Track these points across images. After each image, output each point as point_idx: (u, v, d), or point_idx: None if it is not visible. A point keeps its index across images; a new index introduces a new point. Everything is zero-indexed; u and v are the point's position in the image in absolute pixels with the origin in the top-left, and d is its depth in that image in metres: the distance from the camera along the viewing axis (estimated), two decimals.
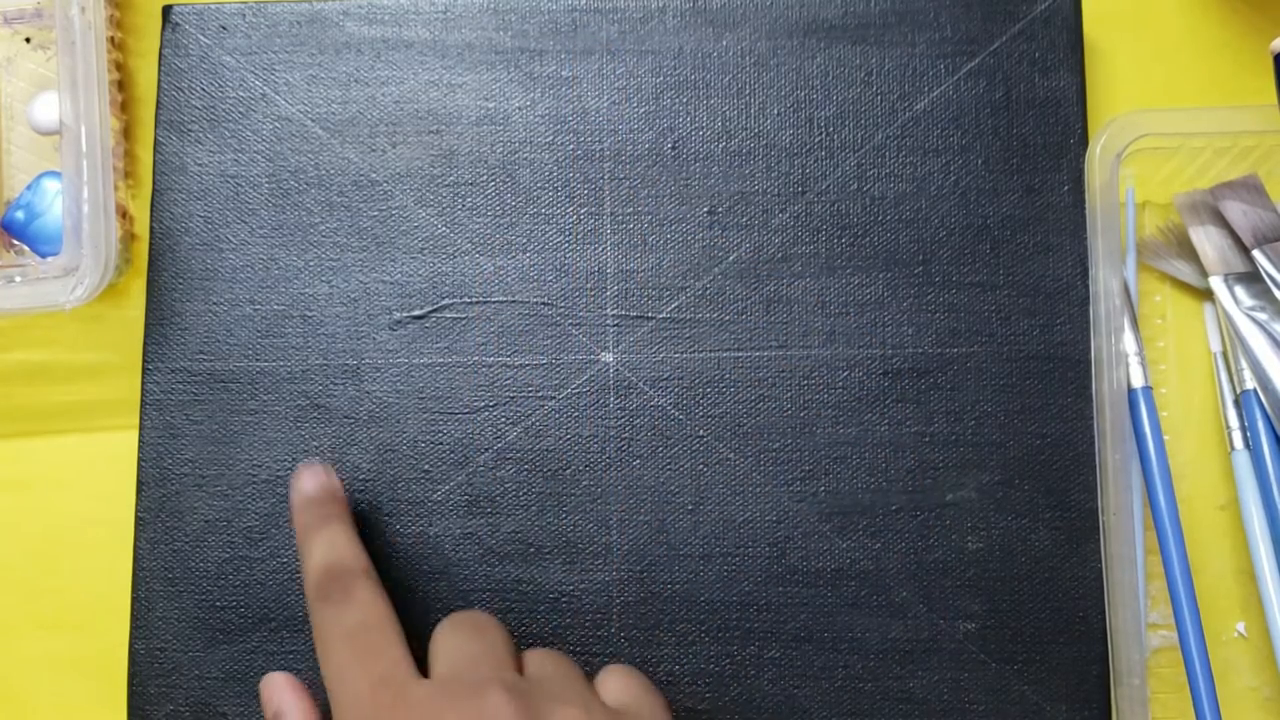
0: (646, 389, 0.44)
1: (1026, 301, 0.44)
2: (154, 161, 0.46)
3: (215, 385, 0.45)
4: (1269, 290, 0.43)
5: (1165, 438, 0.43)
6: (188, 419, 0.45)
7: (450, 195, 0.46)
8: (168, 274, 0.46)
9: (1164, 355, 0.45)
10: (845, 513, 0.43)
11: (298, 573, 0.44)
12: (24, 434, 0.47)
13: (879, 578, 0.43)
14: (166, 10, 0.47)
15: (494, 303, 0.45)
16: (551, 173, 0.46)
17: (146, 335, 0.45)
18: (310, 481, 0.41)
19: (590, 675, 0.37)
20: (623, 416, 0.44)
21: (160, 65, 0.47)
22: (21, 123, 0.48)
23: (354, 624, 0.36)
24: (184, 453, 0.45)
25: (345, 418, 0.45)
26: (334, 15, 0.47)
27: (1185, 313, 0.45)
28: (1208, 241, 0.44)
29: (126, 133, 0.49)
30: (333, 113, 0.46)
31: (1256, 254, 0.43)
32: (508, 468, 0.44)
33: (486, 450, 0.44)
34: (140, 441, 0.45)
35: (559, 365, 0.45)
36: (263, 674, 0.43)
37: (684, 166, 0.45)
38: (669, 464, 0.44)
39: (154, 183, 0.46)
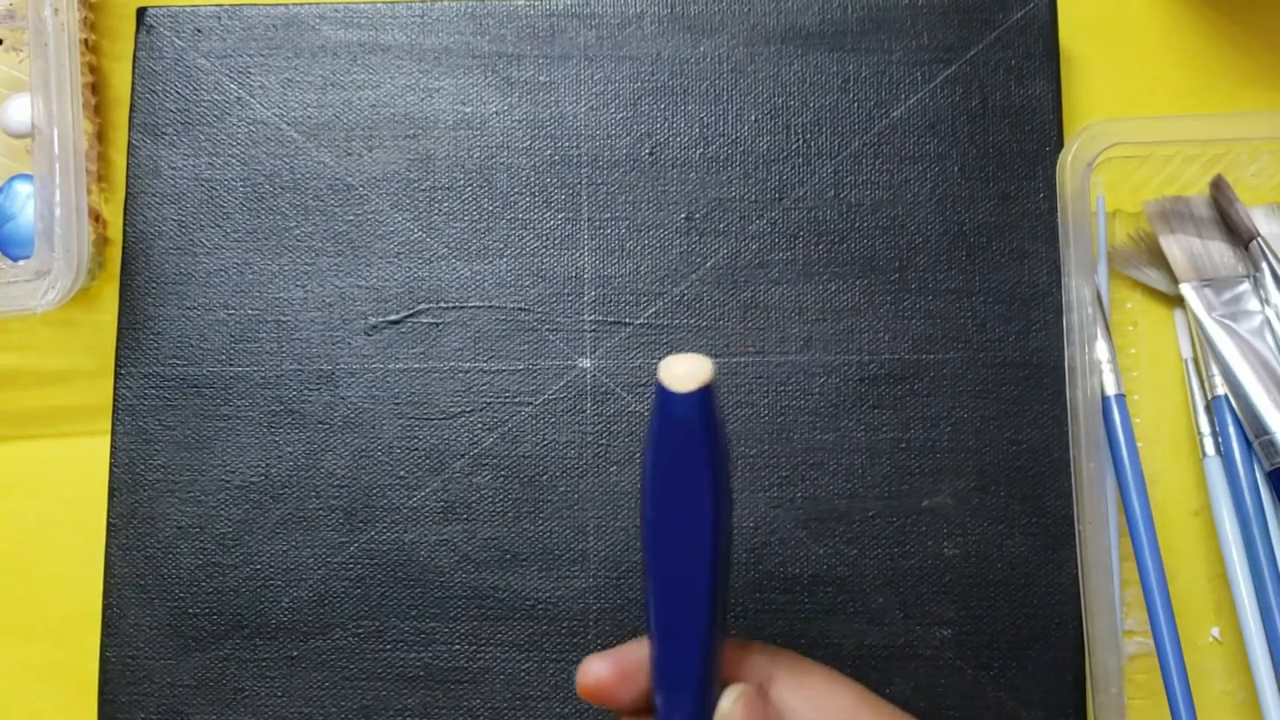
0: (624, 395, 0.44)
1: (1002, 308, 0.44)
2: (127, 165, 0.46)
3: (188, 390, 0.45)
4: (1239, 297, 0.43)
5: (1138, 445, 0.43)
6: (160, 424, 0.44)
7: (426, 200, 0.46)
8: (141, 278, 0.45)
9: (1136, 362, 0.45)
10: (822, 519, 0.43)
11: (270, 579, 0.43)
12: None
13: (855, 584, 0.43)
14: (141, 12, 0.47)
15: (470, 308, 0.45)
16: (529, 178, 0.45)
17: (119, 340, 0.45)
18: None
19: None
20: (600, 422, 0.44)
21: (134, 68, 0.47)
22: None
23: None
24: (156, 458, 0.44)
25: (319, 423, 0.44)
26: (310, 19, 0.47)
27: (1156, 320, 0.46)
28: (1178, 248, 0.44)
29: (100, 136, 0.48)
30: (308, 116, 0.46)
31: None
32: (484, 474, 0.44)
33: (462, 456, 0.44)
34: (112, 447, 0.44)
35: (536, 371, 0.44)
36: (235, 681, 0.43)
37: (661, 172, 0.45)
38: None
39: (127, 186, 0.46)
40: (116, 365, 0.45)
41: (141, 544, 0.44)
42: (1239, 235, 0.44)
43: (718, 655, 0.33)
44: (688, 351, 0.44)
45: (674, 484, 0.31)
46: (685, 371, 0.30)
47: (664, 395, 0.30)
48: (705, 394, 0.30)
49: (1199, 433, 0.44)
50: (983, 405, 0.44)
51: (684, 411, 0.30)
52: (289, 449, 0.44)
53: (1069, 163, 0.42)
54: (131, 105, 0.46)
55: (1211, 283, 0.44)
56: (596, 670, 0.34)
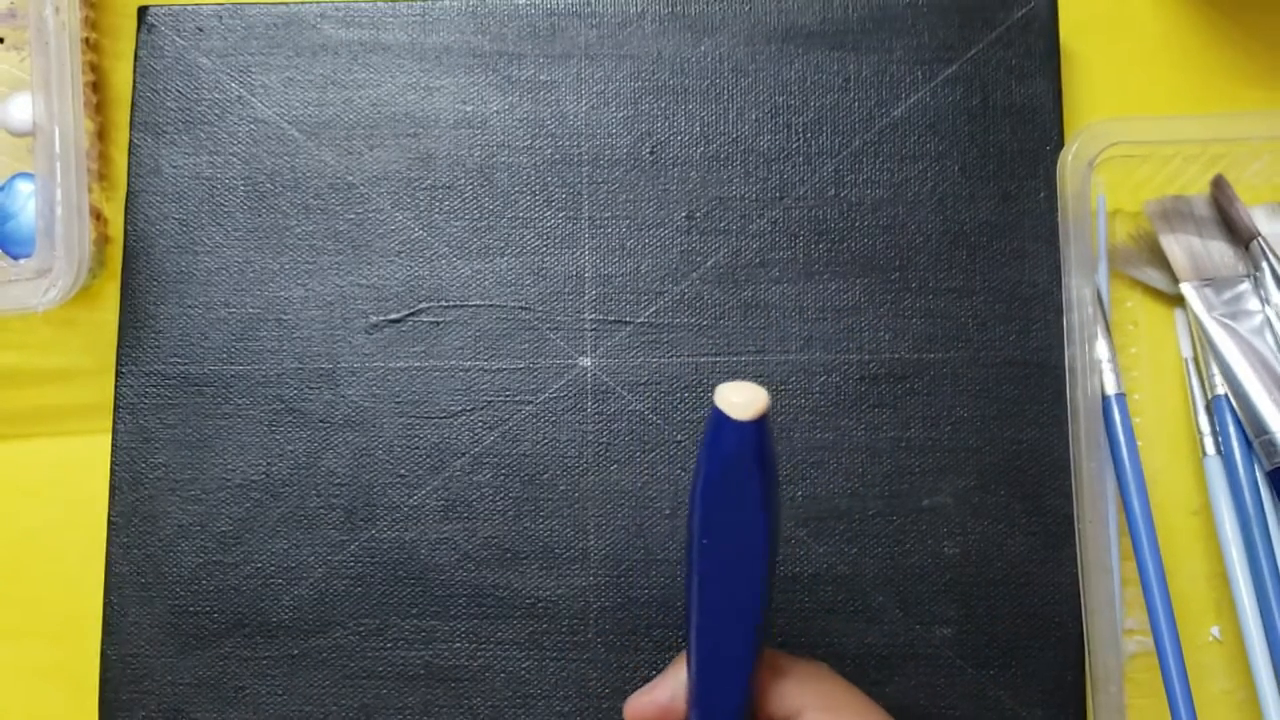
0: (624, 394, 0.44)
1: (1002, 307, 0.44)
2: (128, 163, 0.46)
3: (189, 389, 0.45)
4: (1239, 296, 0.43)
5: (1138, 444, 0.43)
6: (161, 423, 0.44)
7: (427, 199, 0.46)
8: (142, 276, 0.45)
9: (1136, 361, 0.45)
10: (822, 518, 0.43)
11: (271, 578, 0.43)
12: None
13: (855, 583, 0.43)
14: (142, 11, 0.47)
15: (471, 307, 0.45)
16: (529, 176, 0.45)
17: (120, 338, 0.45)
18: None
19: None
20: (600, 421, 0.44)
21: (135, 66, 0.47)
22: None
23: None
24: (157, 457, 0.44)
25: (320, 422, 0.44)
26: (311, 17, 0.47)
27: (1156, 319, 0.46)
28: (1178, 248, 0.44)
29: (101, 134, 0.48)
30: (309, 115, 0.46)
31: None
32: (484, 472, 0.44)
33: (463, 455, 0.44)
34: (113, 445, 0.44)
35: (536, 370, 0.44)
36: (236, 680, 0.43)
37: (662, 171, 0.45)
38: (646, 469, 0.44)
39: (128, 185, 0.46)
40: (117, 364, 0.45)
41: (142, 542, 0.44)
42: (1239, 235, 0.44)
43: (758, 680, 0.34)
44: (688, 350, 0.44)
45: (727, 514, 0.31)
46: (743, 400, 0.29)
47: (721, 422, 0.29)
48: (763, 423, 0.29)
49: (1199, 432, 0.44)
50: (983, 404, 0.44)
51: (741, 440, 0.29)
52: (290, 447, 0.44)
53: (1069, 162, 0.42)
54: (132, 104, 0.46)
55: (1212, 282, 0.44)
56: (641, 709, 0.35)
